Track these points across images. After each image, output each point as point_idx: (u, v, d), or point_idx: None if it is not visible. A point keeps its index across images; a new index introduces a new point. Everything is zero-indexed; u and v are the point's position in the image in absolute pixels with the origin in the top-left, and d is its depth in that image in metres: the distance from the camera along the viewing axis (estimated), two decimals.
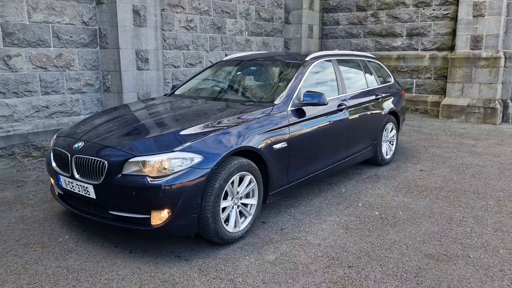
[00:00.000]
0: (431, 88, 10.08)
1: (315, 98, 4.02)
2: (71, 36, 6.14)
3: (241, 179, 3.42)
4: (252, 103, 4.06)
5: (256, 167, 3.51)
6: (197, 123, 3.44)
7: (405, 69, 10.34)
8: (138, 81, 6.61)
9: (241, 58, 5.15)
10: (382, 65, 6.11)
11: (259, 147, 3.49)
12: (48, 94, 6.00)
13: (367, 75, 5.51)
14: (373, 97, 5.34)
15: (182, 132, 3.27)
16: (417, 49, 10.18)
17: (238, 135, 3.39)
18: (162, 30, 7.46)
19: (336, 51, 5.23)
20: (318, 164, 4.34)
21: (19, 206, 4.22)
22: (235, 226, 3.41)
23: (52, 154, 3.59)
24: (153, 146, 3.12)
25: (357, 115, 4.90)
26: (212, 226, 3.15)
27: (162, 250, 3.30)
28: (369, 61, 5.75)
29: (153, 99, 4.81)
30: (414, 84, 10.27)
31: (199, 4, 8.12)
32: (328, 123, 4.40)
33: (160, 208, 2.98)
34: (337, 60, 4.99)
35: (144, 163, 3.00)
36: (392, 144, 5.97)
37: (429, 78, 10.04)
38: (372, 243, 3.44)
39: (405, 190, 4.76)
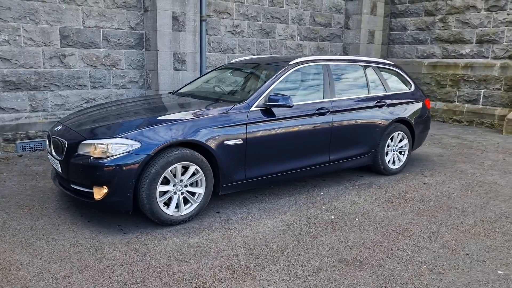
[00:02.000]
0: (500, 101, 9.13)
1: (279, 100, 4.19)
2: (118, 39, 7.08)
3: (187, 169, 3.79)
4: (222, 101, 4.38)
5: (204, 159, 3.83)
6: (152, 115, 3.90)
7: (472, 79, 9.51)
8: (174, 80, 7.31)
9: (241, 61, 5.48)
10: (399, 71, 5.89)
11: (205, 141, 3.81)
12: (96, 88, 7.01)
13: (372, 81, 5.41)
14: (373, 103, 5.23)
15: (133, 122, 3.76)
16: (487, 57, 9.30)
17: (184, 128, 3.75)
18: (207, 34, 8.09)
19: (334, 56, 5.25)
20: (287, 164, 4.48)
21: (40, 178, 5.13)
22: (178, 211, 3.79)
23: (47, 136, 4.37)
24: (103, 132, 3.66)
25: (345, 120, 4.89)
26: (147, 206, 3.58)
27: (112, 223, 3.82)
28: (380, 67, 5.62)
29: (150, 95, 5.43)
30: (482, 95, 9.39)
31: (247, 10, 8.58)
32: (302, 125, 4.51)
33: (99, 184, 3.50)
34: (331, 65, 5.03)
35: (91, 145, 3.55)
36: (403, 155, 5.72)
37: (498, 89, 9.11)
38: (299, 241, 3.53)
39: (385, 200, 4.62)
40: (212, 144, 3.86)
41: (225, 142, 3.95)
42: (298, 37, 9.59)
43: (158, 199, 3.64)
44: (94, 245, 3.39)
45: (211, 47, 8.23)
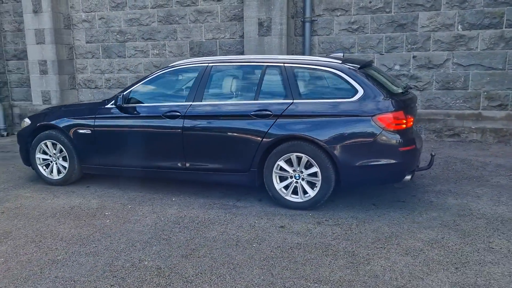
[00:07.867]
0: None
1: (116, 100, 4.74)
2: (229, 47, 8.36)
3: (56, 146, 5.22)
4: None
5: (65, 140, 5.10)
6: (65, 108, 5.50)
7: None
8: None
9: None
10: (341, 74, 4.12)
11: (62, 126, 5.07)
12: None
13: (269, 86, 4.34)
14: (249, 112, 4.27)
15: (44, 110, 5.55)
16: None
17: (56, 115, 5.20)
18: (317, 35, 7.78)
19: (229, 57, 4.65)
20: (136, 161, 4.82)
21: None
22: (53, 175, 5.29)
23: None
24: (32, 115, 5.68)
25: (200, 127, 4.47)
26: (33, 166, 5.36)
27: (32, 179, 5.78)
28: (300, 67, 4.29)
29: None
30: None
31: (370, 2, 7.39)
32: (146, 126, 4.69)
33: (18, 143, 5.60)
34: (214, 66, 4.59)
35: (23, 121, 5.68)
36: (316, 187, 4.14)
37: None
38: (46, 213, 4.29)
39: (124, 221, 4.04)
40: (68, 130, 5.06)
41: (78, 130, 5.02)
42: (459, 26, 7.06)
43: (38, 163, 5.31)
44: None
45: (321, 48, 7.83)
